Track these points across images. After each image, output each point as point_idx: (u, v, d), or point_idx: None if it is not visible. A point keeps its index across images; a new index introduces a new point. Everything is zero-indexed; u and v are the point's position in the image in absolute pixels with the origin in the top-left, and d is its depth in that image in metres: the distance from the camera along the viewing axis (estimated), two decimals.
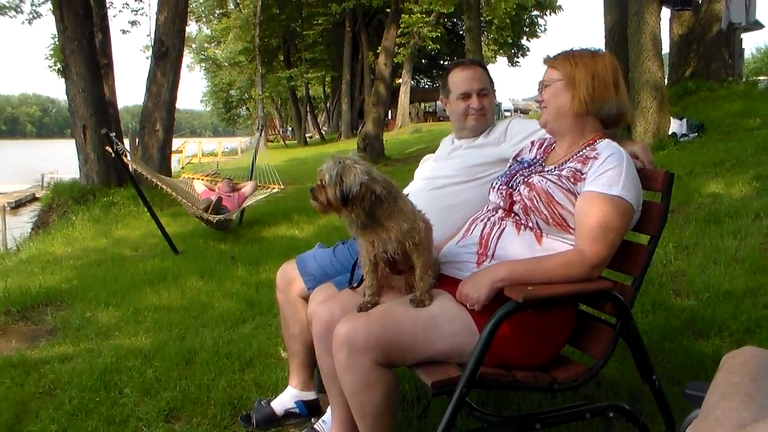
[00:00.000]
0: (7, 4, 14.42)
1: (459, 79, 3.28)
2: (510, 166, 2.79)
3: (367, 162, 2.39)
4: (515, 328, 2.29)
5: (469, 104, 3.23)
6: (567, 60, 2.52)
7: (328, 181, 2.29)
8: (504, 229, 2.50)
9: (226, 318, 5.25)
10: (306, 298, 3.05)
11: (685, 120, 10.77)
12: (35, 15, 14.97)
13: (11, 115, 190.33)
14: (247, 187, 9.75)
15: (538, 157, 2.71)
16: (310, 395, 3.30)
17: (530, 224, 2.46)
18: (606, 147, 2.45)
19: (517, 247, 2.43)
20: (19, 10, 14.66)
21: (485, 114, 3.25)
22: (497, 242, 2.47)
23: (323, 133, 53.09)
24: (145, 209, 9.01)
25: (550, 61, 2.58)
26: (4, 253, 12.13)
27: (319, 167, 2.34)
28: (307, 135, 50.37)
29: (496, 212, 2.59)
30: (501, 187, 2.62)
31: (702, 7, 14.84)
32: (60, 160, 34.84)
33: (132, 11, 20.18)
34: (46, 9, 14.61)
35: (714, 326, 3.93)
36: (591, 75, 2.48)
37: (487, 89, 3.25)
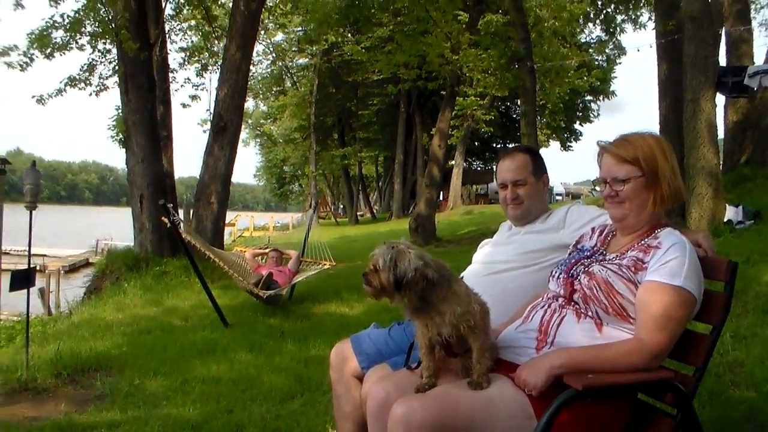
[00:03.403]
0: (78, 77, 14.90)
1: (500, 168, 3.39)
2: (570, 254, 2.78)
3: (419, 247, 2.41)
4: (573, 416, 2.25)
5: (506, 194, 3.32)
6: (643, 153, 2.47)
7: (382, 266, 2.31)
8: (564, 316, 2.49)
9: (274, 393, 5.23)
10: (360, 378, 3.04)
11: (741, 207, 10.63)
12: (102, 87, 15.44)
13: (71, 182, 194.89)
14: (293, 259, 9.83)
15: (598, 244, 2.70)
16: None
17: (590, 313, 2.44)
18: (668, 236, 2.44)
19: (577, 335, 2.42)
20: (88, 82, 15.12)
21: (521, 203, 3.30)
22: (557, 329, 2.46)
23: (375, 211, 53.33)
24: (197, 280, 9.08)
25: (622, 153, 2.51)
26: (56, 316, 12.32)
27: (372, 252, 2.37)
28: (358, 213, 50.66)
29: (556, 300, 2.58)
30: (561, 276, 2.62)
31: (757, 94, 14.77)
32: (114, 227, 35.52)
33: (193, 86, 20.65)
34: (113, 82, 15.07)
35: None
36: (670, 168, 2.47)
37: (523, 180, 3.29)
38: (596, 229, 2.81)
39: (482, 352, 2.38)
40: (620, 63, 39.33)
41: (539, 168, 3.34)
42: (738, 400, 4.19)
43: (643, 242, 2.49)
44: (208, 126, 15.32)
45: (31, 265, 5.92)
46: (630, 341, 2.33)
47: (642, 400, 2.57)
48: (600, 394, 2.27)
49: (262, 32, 29.82)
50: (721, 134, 14.02)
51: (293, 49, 41.83)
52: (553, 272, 2.71)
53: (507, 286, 3.07)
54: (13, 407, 5.09)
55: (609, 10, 25.86)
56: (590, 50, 31.96)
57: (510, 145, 45.49)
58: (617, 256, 2.52)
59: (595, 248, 2.69)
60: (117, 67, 13.97)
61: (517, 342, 2.55)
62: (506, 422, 2.28)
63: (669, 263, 2.33)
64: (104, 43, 14.88)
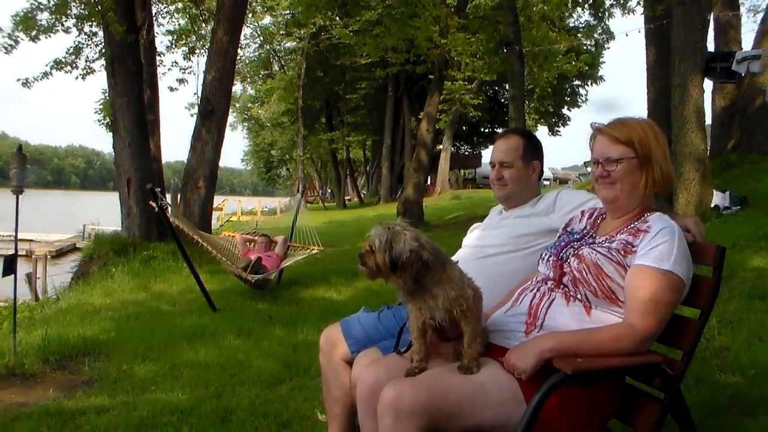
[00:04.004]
0: (64, 60, 14.75)
1: (493, 148, 3.42)
2: (560, 237, 2.78)
3: (416, 229, 2.40)
4: (562, 399, 2.25)
5: (493, 173, 3.35)
6: (638, 136, 2.49)
7: (378, 246, 2.30)
8: (553, 300, 2.48)
9: (262, 378, 5.22)
10: (349, 362, 3.02)
11: (728, 193, 10.68)
12: (89, 70, 15.28)
13: (57, 166, 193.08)
14: (279, 243, 9.84)
15: (588, 227, 2.70)
16: None
17: (579, 296, 2.44)
18: (658, 220, 2.44)
19: (566, 318, 2.42)
20: (74, 65, 14.98)
21: (505, 184, 3.31)
22: (546, 313, 2.46)
23: (362, 196, 53.18)
24: (185, 265, 9.06)
25: (616, 134, 2.52)
26: (44, 301, 12.27)
27: (368, 232, 2.36)
28: (346, 198, 50.55)
29: (546, 283, 2.58)
30: (551, 259, 2.62)
31: (745, 80, 14.81)
32: (101, 212, 35.37)
33: (180, 69, 20.47)
34: (99, 65, 14.95)
35: (762, 404, 3.82)
36: (663, 154, 2.48)
37: (510, 162, 3.30)
38: (586, 212, 2.81)
39: (474, 336, 2.38)
40: (608, 48, 39.24)
41: (530, 153, 3.33)
42: (724, 384, 4.21)
43: (632, 226, 2.48)
44: (196, 110, 15.22)
45: (18, 250, 5.88)
46: (619, 325, 2.34)
47: (630, 383, 2.58)
48: (589, 378, 2.28)
49: (250, 15, 29.62)
50: (708, 120, 14.08)
51: (281, 32, 41.51)
52: (543, 255, 2.71)
53: (496, 270, 3.06)
54: (1, 393, 5.07)
55: None
56: (579, 35, 31.89)
57: (498, 130, 45.49)
58: (607, 239, 2.52)
59: (584, 231, 2.68)
60: (104, 50, 13.85)
61: (507, 326, 2.55)
62: (496, 406, 2.29)
63: (658, 247, 2.33)
64: (91, 26, 14.75)
